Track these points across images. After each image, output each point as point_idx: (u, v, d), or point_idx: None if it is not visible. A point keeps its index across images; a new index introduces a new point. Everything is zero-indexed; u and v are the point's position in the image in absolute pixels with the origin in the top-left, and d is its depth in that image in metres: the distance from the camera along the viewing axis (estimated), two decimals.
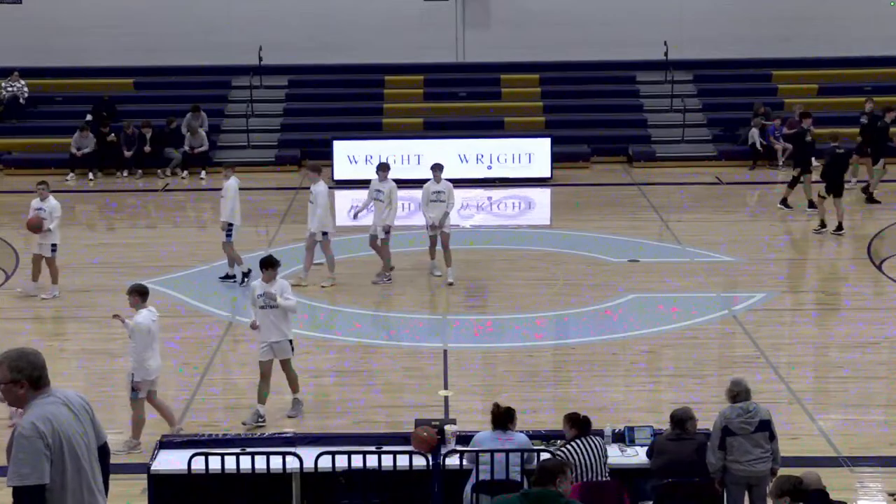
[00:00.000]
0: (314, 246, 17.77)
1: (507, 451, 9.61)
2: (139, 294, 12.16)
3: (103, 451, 6.75)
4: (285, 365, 12.83)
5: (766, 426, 9.78)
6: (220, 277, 18.04)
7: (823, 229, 20.59)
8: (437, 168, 18.22)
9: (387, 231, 17.68)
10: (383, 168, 18.06)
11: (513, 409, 9.97)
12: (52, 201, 17.67)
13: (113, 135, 26.88)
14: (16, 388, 6.32)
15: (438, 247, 18.08)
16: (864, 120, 23.96)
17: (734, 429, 9.68)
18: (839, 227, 20.47)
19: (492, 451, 9.62)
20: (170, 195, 25.31)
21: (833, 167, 20.72)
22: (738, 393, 9.85)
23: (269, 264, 12.81)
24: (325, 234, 17.61)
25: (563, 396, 13.58)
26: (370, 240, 18.00)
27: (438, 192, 17.92)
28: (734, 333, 15.79)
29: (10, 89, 28.97)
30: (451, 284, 17.78)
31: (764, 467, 9.72)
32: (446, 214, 17.88)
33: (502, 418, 9.88)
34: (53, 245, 17.39)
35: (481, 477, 9.64)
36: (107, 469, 6.79)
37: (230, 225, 17.77)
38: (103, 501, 6.66)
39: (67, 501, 6.40)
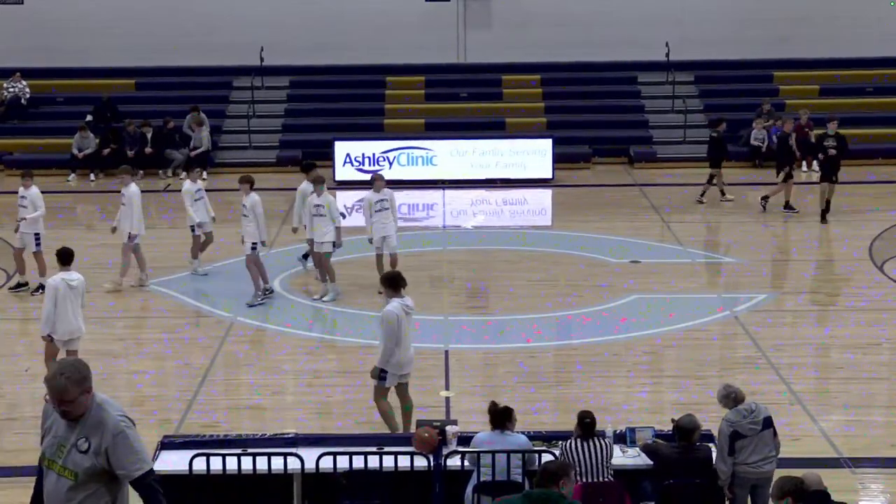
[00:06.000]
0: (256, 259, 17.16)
1: (509, 452, 9.60)
2: (58, 257, 13.01)
3: None
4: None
5: (769, 423, 9.81)
6: (10, 288, 17.67)
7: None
8: (378, 178, 17.52)
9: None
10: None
11: (511, 408, 9.94)
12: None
13: (113, 146, 26.95)
14: (88, 397, 6.60)
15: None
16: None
17: (744, 431, 9.66)
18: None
19: (493, 452, 9.61)
20: (171, 196, 25.30)
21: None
22: (737, 395, 9.85)
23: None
24: (254, 246, 16.92)
25: (564, 397, 13.57)
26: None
27: (381, 200, 17.26)
28: (736, 334, 15.78)
29: (11, 90, 28.99)
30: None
31: (770, 468, 9.73)
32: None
33: (500, 417, 9.83)
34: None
35: (482, 478, 9.62)
36: None
37: (37, 234, 17.52)
38: None
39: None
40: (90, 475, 6.57)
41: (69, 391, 6.47)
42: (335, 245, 17.03)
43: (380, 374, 11.77)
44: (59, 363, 6.81)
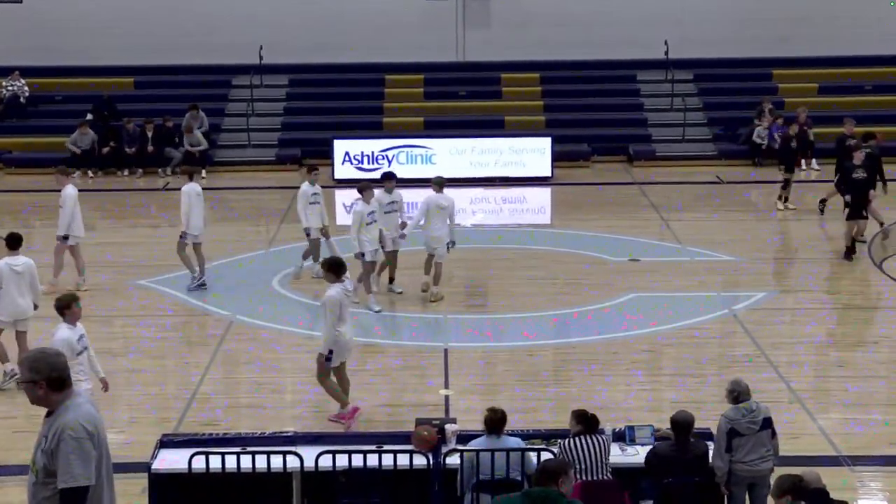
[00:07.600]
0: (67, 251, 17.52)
1: (509, 451, 9.60)
2: (6, 241, 13.79)
3: None
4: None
5: (768, 423, 9.80)
6: None
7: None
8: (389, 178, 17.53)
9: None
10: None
11: (505, 413, 9.90)
12: None
13: (112, 144, 26.99)
14: (35, 388, 6.51)
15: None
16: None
17: (741, 430, 9.66)
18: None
19: (492, 451, 9.62)
20: (170, 194, 25.29)
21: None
22: (740, 393, 9.84)
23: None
24: (65, 237, 17.36)
25: (563, 396, 13.56)
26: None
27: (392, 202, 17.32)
28: (734, 333, 15.79)
29: (10, 88, 28.99)
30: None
31: (767, 466, 9.73)
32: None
33: (499, 424, 9.79)
34: None
35: (481, 478, 9.62)
36: None
37: None
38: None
39: (102, 498, 6.61)
40: (46, 474, 6.49)
41: (22, 372, 6.59)
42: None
43: (326, 357, 12.29)
44: (36, 349, 6.84)
